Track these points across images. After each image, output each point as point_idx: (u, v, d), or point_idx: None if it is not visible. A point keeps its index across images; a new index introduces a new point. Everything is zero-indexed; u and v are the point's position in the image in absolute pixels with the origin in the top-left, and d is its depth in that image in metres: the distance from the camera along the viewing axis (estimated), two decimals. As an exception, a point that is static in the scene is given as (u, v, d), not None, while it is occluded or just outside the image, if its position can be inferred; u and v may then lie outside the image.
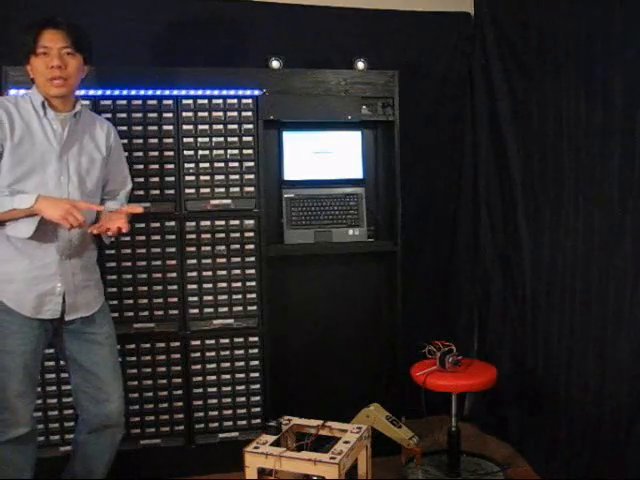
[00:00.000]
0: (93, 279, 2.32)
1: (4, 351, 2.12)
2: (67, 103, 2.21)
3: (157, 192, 2.80)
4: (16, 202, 2.04)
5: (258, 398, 2.91)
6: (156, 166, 2.79)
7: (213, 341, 2.87)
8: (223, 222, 2.86)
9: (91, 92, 2.71)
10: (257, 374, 2.91)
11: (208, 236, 2.84)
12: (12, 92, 2.55)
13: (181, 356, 2.85)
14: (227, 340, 2.88)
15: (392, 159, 3.07)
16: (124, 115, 2.75)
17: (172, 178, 2.81)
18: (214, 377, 2.87)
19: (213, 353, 2.87)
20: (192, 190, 2.83)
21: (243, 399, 2.91)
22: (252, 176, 2.87)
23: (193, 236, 2.83)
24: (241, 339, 2.89)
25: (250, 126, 2.88)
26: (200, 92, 2.83)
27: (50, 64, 2.10)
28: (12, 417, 2.14)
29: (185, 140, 2.82)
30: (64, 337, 2.25)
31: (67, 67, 2.13)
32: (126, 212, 2.20)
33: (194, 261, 2.84)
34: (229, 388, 2.89)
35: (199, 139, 2.83)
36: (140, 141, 2.77)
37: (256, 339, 2.90)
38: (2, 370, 2.12)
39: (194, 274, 2.84)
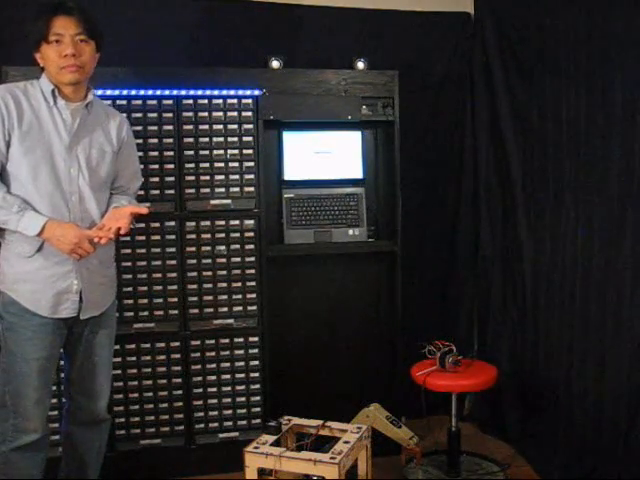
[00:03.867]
0: (108, 275, 2.27)
1: (20, 358, 2.07)
2: (79, 92, 2.12)
3: (157, 192, 2.79)
4: (21, 226, 1.99)
5: (258, 398, 2.91)
6: (156, 166, 2.79)
7: (213, 341, 2.87)
8: (223, 222, 2.86)
9: (91, 92, 2.71)
10: (257, 374, 2.91)
11: (208, 236, 2.84)
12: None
13: (181, 356, 2.85)
14: (227, 340, 2.88)
15: (392, 159, 3.07)
16: (124, 115, 2.74)
17: (172, 178, 2.80)
18: (214, 377, 2.87)
19: (213, 353, 2.87)
20: (192, 190, 2.83)
21: (243, 399, 2.91)
22: (252, 176, 2.87)
23: (193, 236, 2.83)
24: (241, 339, 2.89)
25: (250, 126, 2.87)
26: (200, 92, 2.83)
27: (64, 52, 2.01)
28: (25, 423, 2.09)
29: (185, 140, 2.82)
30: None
31: (82, 55, 2.04)
32: (131, 212, 2.12)
33: (194, 261, 2.84)
34: (229, 388, 2.89)
35: (199, 139, 2.83)
36: (140, 141, 2.76)
37: (256, 339, 2.90)
38: (18, 377, 2.08)
39: (194, 274, 2.84)
